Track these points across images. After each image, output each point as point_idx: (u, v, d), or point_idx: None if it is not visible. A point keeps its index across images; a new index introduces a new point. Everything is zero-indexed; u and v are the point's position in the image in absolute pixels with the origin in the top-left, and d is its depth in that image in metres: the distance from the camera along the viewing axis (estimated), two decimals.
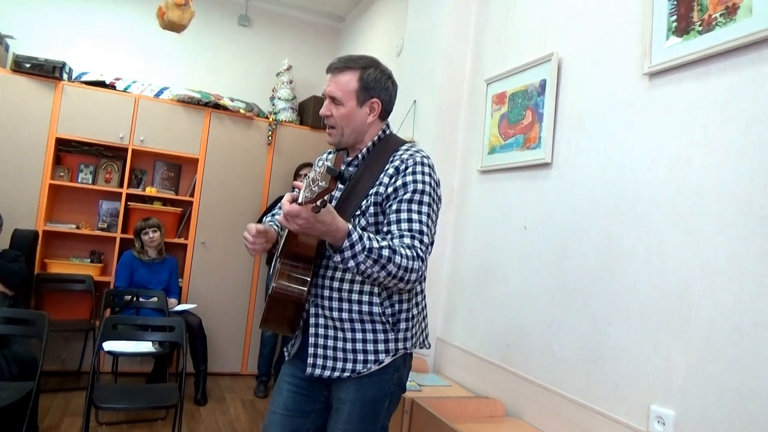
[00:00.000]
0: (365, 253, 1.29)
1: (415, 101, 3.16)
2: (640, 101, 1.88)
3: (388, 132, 1.62)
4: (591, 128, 2.10)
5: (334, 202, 1.51)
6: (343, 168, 1.11)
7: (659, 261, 1.73)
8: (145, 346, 3.33)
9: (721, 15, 1.59)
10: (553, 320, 2.16)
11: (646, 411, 1.70)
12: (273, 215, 1.72)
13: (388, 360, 1.48)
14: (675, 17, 1.74)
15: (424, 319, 1.63)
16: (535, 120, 2.37)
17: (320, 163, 1.74)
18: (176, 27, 3.14)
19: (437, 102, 2.98)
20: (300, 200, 1.20)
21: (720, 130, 1.59)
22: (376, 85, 1.54)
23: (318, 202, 1.15)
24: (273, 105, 4.79)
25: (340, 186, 1.49)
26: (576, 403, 1.97)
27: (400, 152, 1.54)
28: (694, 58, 1.66)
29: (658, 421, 1.65)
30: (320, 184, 1.12)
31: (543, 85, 2.33)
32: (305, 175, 1.72)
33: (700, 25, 1.65)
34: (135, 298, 3.66)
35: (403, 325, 1.51)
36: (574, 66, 2.22)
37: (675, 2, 1.75)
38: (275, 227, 1.61)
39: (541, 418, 2.13)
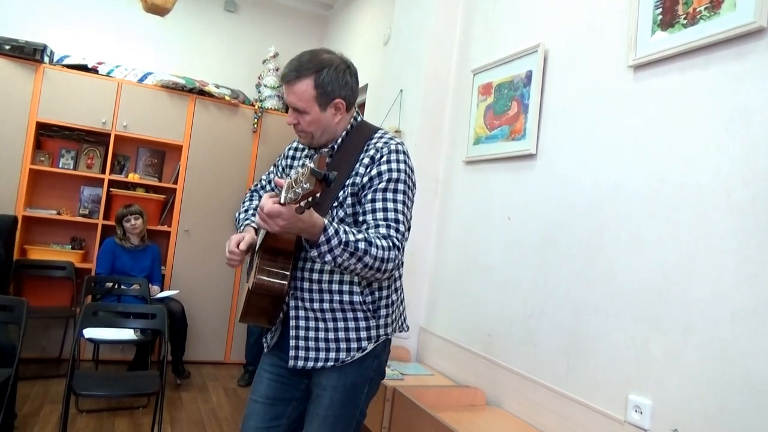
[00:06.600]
0: (342, 246, 1.28)
1: (401, 90, 3.15)
2: (625, 94, 1.89)
3: (359, 119, 1.59)
4: (575, 120, 2.10)
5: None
6: (327, 170, 1.06)
7: (639, 252, 1.75)
8: (127, 334, 3.30)
9: (705, 9, 1.60)
10: (534, 310, 2.17)
11: (624, 400, 1.73)
12: (246, 211, 1.70)
13: (370, 347, 1.49)
14: (660, 10, 1.75)
15: (402, 302, 1.63)
16: (520, 111, 2.37)
17: (290, 152, 1.70)
18: (160, 10, 3.09)
19: (424, 92, 2.97)
20: (282, 200, 1.16)
21: (702, 123, 1.60)
22: (334, 85, 1.47)
23: (302, 203, 1.10)
24: (259, 92, 4.74)
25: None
26: (556, 393, 2.00)
27: (374, 140, 1.51)
28: (679, 52, 1.67)
29: (636, 410, 1.68)
30: (304, 186, 1.06)
31: (529, 76, 2.33)
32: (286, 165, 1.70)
33: (684, 19, 1.66)
34: (117, 285, 3.63)
35: (383, 312, 1.51)
36: (561, 58, 2.22)
37: None
38: (253, 225, 1.59)
39: (521, 407, 2.15)
